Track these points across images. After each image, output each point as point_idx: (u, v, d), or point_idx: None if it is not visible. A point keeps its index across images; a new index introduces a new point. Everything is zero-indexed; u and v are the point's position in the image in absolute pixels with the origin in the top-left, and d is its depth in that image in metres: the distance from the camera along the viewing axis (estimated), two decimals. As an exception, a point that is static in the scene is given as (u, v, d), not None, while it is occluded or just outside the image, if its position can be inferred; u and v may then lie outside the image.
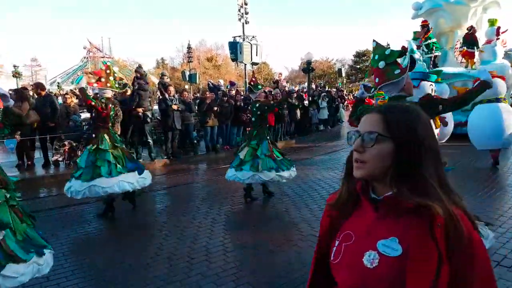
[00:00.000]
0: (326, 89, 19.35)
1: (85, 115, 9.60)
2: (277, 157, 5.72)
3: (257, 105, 5.86)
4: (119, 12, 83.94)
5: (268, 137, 5.86)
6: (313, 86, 19.08)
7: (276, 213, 5.34)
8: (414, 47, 14.09)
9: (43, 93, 8.65)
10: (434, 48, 12.36)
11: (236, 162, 5.72)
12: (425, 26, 12.38)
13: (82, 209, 5.81)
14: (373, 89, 2.99)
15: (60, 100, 12.08)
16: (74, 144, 8.38)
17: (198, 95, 19.01)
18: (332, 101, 16.94)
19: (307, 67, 16.10)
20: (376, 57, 2.85)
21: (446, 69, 11.44)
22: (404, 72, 2.73)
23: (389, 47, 2.89)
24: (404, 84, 2.79)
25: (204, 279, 3.45)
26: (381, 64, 2.78)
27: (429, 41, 12.43)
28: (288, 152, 10.80)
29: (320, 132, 15.37)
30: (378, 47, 2.90)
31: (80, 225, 4.98)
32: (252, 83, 6.16)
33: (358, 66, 53.71)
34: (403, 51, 2.82)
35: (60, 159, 8.32)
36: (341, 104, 18.66)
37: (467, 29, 12.29)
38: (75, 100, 10.00)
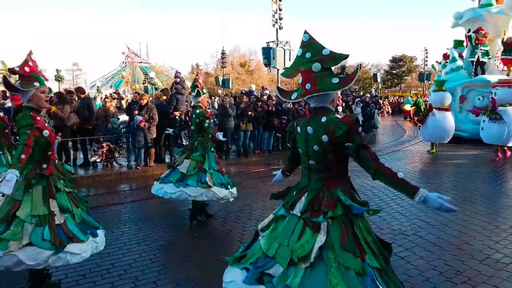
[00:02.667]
0: (361, 94, 18.86)
1: (123, 118, 9.92)
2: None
3: (197, 111, 5.01)
4: (156, 18, 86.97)
5: (212, 149, 5.12)
6: (348, 91, 18.72)
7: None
8: (456, 55, 13.88)
9: (83, 96, 9.02)
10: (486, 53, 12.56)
11: (175, 176, 4.84)
12: (478, 32, 12.59)
13: (119, 210, 5.94)
14: (295, 94, 2.26)
15: (99, 102, 12.59)
16: (112, 146, 8.65)
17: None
18: (366, 106, 16.52)
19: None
20: (308, 55, 2.17)
21: (489, 77, 11.79)
22: (343, 85, 2.14)
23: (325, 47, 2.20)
24: (334, 97, 2.22)
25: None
26: (316, 66, 2.13)
27: (485, 48, 12.62)
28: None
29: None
30: (311, 42, 2.21)
31: (116, 225, 5.08)
32: (199, 85, 5.23)
33: (394, 71, 52.23)
34: (346, 56, 2.19)
35: (98, 160, 8.60)
36: (376, 110, 18.11)
37: (505, 39, 12.45)
38: (114, 104, 10.36)
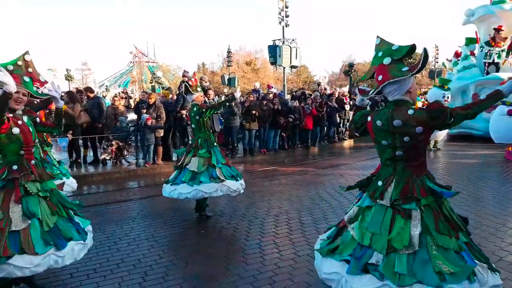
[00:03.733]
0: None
1: (132, 116, 10.09)
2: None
3: (195, 108, 5.15)
4: (163, 18, 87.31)
5: (216, 143, 5.24)
6: (356, 90, 18.63)
7: (313, 218, 5.27)
8: (468, 53, 13.79)
9: (92, 95, 9.19)
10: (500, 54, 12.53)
11: (186, 175, 4.86)
12: (499, 30, 12.51)
13: (128, 206, 6.09)
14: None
15: (108, 101, 12.79)
16: (121, 144, 8.83)
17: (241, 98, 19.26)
18: (376, 105, 16.42)
19: (349, 70, 15.77)
20: (380, 53, 2.47)
21: (502, 74, 11.73)
22: (413, 70, 2.32)
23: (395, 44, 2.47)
24: (410, 87, 2.41)
25: (241, 280, 3.50)
26: (386, 60, 2.39)
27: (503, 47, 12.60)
28: (326, 157, 10.81)
29: (362, 137, 14.96)
30: (383, 43, 2.50)
31: (125, 221, 5.22)
32: (190, 83, 5.32)
33: (405, 69, 51.58)
34: (413, 47, 2.37)
35: (108, 158, 8.80)
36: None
37: None
38: (123, 103, 10.52)
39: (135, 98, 17.44)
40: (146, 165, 8.64)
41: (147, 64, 47.02)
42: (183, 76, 10.17)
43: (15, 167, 2.85)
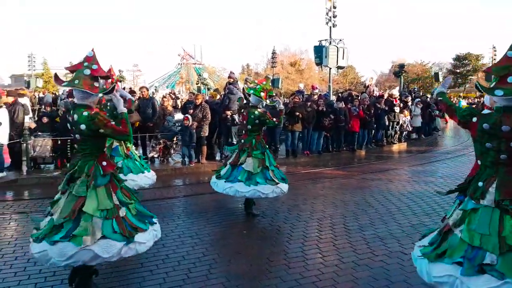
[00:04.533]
0: (421, 94, 17.83)
1: (178, 116, 10.39)
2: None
3: (256, 112, 5.25)
4: (210, 19, 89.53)
5: (267, 146, 5.43)
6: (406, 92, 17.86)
7: (359, 224, 5.06)
8: None
9: (146, 93, 9.57)
10: None
11: (242, 175, 4.98)
12: None
13: (173, 203, 6.25)
14: (499, 91, 2.30)
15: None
16: (168, 143, 9.13)
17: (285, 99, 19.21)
18: (427, 108, 15.56)
19: (399, 71, 15.09)
20: (510, 53, 2.35)
21: None
22: None
23: None
24: None
25: (283, 283, 3.42)
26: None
27: None
28: (373, 161, 10.39)
29: (413, 141, 14.30)
30: None
31: (170, 218, 5.34)
32: (263, 86, 5.35)
33: (458, 71, 48.73)
34: None
35: (156, 156, 9.12)
36: (437, 111, 17.03)
37: None
38: (171, 103, 10.88)
39: (182, 99, 18.00)
40: (191, 164, 8.83)
41: (194, 66, 48.41)
42: (229, 77, 10.30)
43: (104, 163, 3.14)
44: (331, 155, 11.05)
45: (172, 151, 9.32)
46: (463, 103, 28.55)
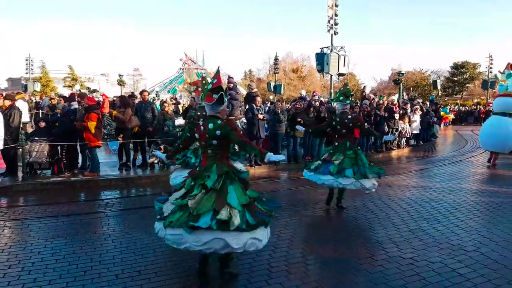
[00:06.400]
0: (419, 101, 17.93)
1: (180, 121, 10.41)
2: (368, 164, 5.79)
3: (349, 117, 5.86)
4: (213, 25, 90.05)
5: (358, 148, 6.01)
6: (407, 97, 17.94)
7: (359, 229, 5.06)
8: None
9: (147, 97, 9.56)
10: None
11: (333, 169, 5.56)
12: None
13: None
14: None
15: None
16: (169, 148, 9.08)
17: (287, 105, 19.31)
18: (425, 115, 15.66)
19: (398, 78, 15.18)
20: None
21: None
22: None
23: None
24: None
25: (283, 289, 3.41)
26: None
27: None
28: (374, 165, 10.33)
29: (411, 147, 14.34)
30: None
31: (170, 222, 5.32)
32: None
33: (455, 79, 48.92)
34: None
35: (156, 161, 9.06)
36: (435, 118, 17.10)
37: None
38: (172, 108, 10.90)
39: (183, 104, 18.03)
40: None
41: (196, 71, 48.51)
42: (228, 82, 10.34)
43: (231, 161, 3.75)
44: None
45: (173, 157, 9.30)
46: (447, 110, 28.53)
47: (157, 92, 34.86)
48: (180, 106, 16.11)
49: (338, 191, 6.01)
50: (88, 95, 9.79)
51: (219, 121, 3.49)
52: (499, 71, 20.76)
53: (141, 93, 9.92)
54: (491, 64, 39.01)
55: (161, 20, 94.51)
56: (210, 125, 3.48)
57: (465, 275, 3.60)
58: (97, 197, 6.95)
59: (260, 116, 9.44)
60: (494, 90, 28.17)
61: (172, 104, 13.67)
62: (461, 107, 34.59)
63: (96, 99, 10.18)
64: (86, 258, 4.05)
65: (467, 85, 48.74)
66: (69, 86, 39.32)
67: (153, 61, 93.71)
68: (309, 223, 5.29)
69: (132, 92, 14.18)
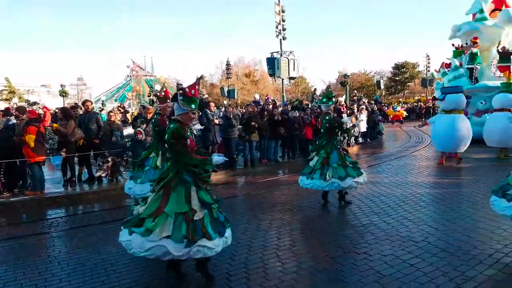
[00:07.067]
0: (364, 101, 18.89)
1: (128, 131, 9.97)
2: (349, 163, 5.98)
3: (327, 117, 6.10)
4: (160, 31, 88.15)
5: (338, 146, 6.20)
6: (355, 98, 18.76)
7: (315, 228, 5.13)
8: (457, 64, 14.47)
9: (91, 107, 9.05)
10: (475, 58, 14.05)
11: (307, 169, 6.09)
12: (475, 42, 14.10)
13: (124, 223, 5.92)
14: None
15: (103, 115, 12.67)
16: (117, 160, 8.66)
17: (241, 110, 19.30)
18: (371, 114, 16.52)
19: (344, 80, 15.86)
20: None
21: (489, 83, 13.34)
22: None
23: None
24: None
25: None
26: None
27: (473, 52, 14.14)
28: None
29: (359, 145, 15.01)
30: None
31: (122, 239, 5.05)
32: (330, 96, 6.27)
33: (397, 78, 52.17)
34: None
35: (103, 175, 8.57)
36: (380, 117, 18.11)
37: (499, 49, 14.16)
38: (119, 117, 10.41)
39: (132, 112, 17.36)
40: (144, 181, 8.48)
41: (145, 78, 47.15)
42: (179, 89, 10.13)
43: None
44: (287, 163, 11.24)
45: (122, 169, 8.84)
46: (399, 108, 30.78)
47: (103, 101, 33.31)
48: (128, 115, 15.48)
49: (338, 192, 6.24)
50: (28, 108, 9.11)
51: (171, 125, 3.51)
52: (435, 70, 22.60)
53: (83, 103, 9.36)
54: (429, 63, 42.06)
55: (106, 26, 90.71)
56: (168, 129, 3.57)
57: (416, 265, 3.77)
58: (40, 217, 6.47)
59: (216, 121, 9.36)
60: (432, 87, 30.48)
61: (120, 113, 13.06)
62: (403, 105, 36.92)
63: (37, 112, 9.49)
64: (29, 284, 3.74)
65: (408, 84, 52.15)
66: (6, 100, 36.40)
67: (98, 70, 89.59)
68: (266, 228, 5.27)
69: (75, 103, 13.37)
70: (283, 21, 20.56)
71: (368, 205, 6.12)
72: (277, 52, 21.03)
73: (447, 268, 3.66)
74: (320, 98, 6.47)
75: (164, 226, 3.22)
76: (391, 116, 27.53)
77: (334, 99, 6.39)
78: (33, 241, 5.19)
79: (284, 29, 20.67)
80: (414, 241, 4.43)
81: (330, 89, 6.64)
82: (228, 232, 3.55)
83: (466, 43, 14.88)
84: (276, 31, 20.61)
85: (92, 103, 9.39)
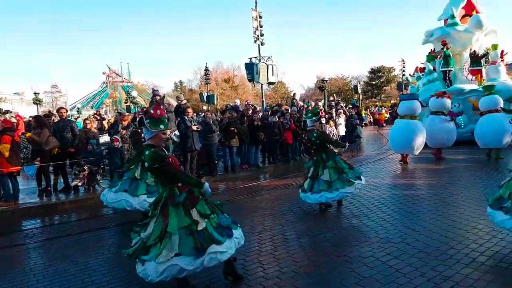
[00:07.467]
0: (343, 106, 19.23)
1: (104, 139, 9.76)
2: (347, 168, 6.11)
3: (314, 134, 6.18)
4: (138, 36, 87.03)
5: (336, 152, 6.42)
6: (333, 103, 19.04)
7: (296, 233, 5.16)
8: (431, 68, 15.09)
9: (65, 115, 8.82)
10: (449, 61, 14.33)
11: (323, 186, 5.89)
12: (444, 45, 14.60)
13: (101, 234, 5.78)
14: None
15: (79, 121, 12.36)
16: (94, 169, 8.45)
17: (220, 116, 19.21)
18: (349, 118, 16.82)
19: (322, 85, 16.09)
20: None
21: (462, 86, 13.84)
22: None
23: None
24: None
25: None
26: None
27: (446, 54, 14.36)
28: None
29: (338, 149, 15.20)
30: None
31: (99, 250, 4.93)
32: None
33: (373, 82, 53.38)
34: None
35: (80, 184, 8.36)
36: (358, 120, 18.48)
37: (470, 53, 14.81)
38: (95, 125, 10.18)
39: (108, 119, 16.98)
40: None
41: (121, 84, 46.33)
42: (155, 95, 10.03)
43: (180, 184, 3.52)
44: (268, 168, 11.27)
45: (99, 177, 8.63)
46: (383, 111, 31.49)
47: (78, 108, 32.48)
48: (105, 122, 15.13)
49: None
50: (1, 117, 8.80)
51: (147, 152, 3.47)
52: (410, 74, 23.24)
53: (58, 110, 9.10)
54: (404, 67, 43.29)
55: (80, 33, 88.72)
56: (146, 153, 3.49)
57: (394, 266, 3.84)
58: (15, 229, 6.27)
59: (194, 128, 9.27)
60: (407, 91, 31.34)
61: (97, 120, 12.77)
62: (380, 108, 37.78)
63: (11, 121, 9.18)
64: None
65: (384, 88, 53.45)
66: (-23, 110, 34.88)
67: (73, 76, 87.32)
68: (248, 233, 5.23)
69: (49, 111, 12.97)
70: (261, 26, 20.68)
71: (348, 208, 6.20)
72: (255, 57, 21.11)
73: (425, 268, 3.74)
74: (306, 113, 6.60)
75: (171, 245, 3.23)
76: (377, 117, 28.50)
77: (319, 115, 6.57)
78: (8, 253, 5.05)
79: (262, 35, 20.78)
80: (393, 242, 4.51)
81: (317, 105, 6.80)
82: (237, 233, 3.57)
83: (440, 48, 15.39)
84: (254, 36, 20.70)
85: (67, 111, 9.15)
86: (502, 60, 14.73)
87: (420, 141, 10.14)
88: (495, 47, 14.63)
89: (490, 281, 3.40)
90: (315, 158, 6.23)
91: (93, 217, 6.86)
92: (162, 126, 3.52)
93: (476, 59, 14.68)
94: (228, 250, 3.37)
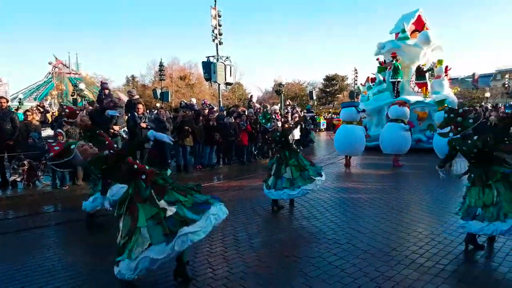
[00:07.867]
0: (298, 110, 19.68)
1: (47, 132, 9.12)
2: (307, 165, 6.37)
3: (278, 133, 6.54)
4: (88, 26, 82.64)
5: (298, 150, 6.63)
6: (289, 108, 19.42)
7: (247, 234, 5.18)
8: (382, 78, 16.07)
9: (6, 105, 8.13)
10: (398, 73, 15.27)
11: (285, 184, 6.11)
12: (394, 57, 15.39)
13: (41, 233, 5.41)
14: None
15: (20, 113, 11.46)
16: (34, 164, 7.87)
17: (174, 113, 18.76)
18: (304, 122, 17.23)
19: (279, 89, 16.34)
20: None
21: (409, 97, 14.38)
22: None
23: None
24: None
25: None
26: None
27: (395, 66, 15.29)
28: (261, 172, 10.87)
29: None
30: None
31: (39, 249, 4.61)
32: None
33: (328, 90, 55.27)
34: None
35: (19, 179, 7.76)
36: (312, 125, 19.08)
37: (416, 67, 15.93)
38: (37, 117, 9.47)
39: (53, 112, 15.91)
40: (64, 187, 7.82)
41: (69, 76, 43.69)
42: (104, 88, 9.58)
43: (143, 176, 3.42)
44: (222, 169, 11.21)
45: (39, 173, 8.05)
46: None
47: (20, 99, 30.13)
48: (48, 115, 14.15)
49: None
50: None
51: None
52: (361, 84, 24.41)
53: None
54: (356, 77, 45.45)
55: (25, 20, 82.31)
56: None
57: (340, 266, 4.00)
58: None
59: (143, 125, 8.95)
60: (358, 99, 32.89)
61: (40, 112, 11.90)
62: (333, 115, 39.21)
63: None
64: None
65: (338, 95, 55.57)
66: None
67: (16, 65, 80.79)
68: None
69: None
70: (219, 25, 20.57)
71: (299, 210, 6.35)
72: (213, 56, 20.93)
73: (368, 268, 3.93)
74: (259, 118, 6.84)
75: (142, 239, 3.15)
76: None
77: (272, 117, 6.93)
78: None
79: (220, 34, 20.67)
80: (339, 243, 4.69)
81: (265, 110, 7.09)
82: (214, 209, 3.43)
83: (390, 60, 16.35)
84: (212, 35, 20.53)
85: (7, 101, 8.42)
86: (446, 75, 15.94)
87: (359, 144, 11.12)
88: (440, 62, 15.79)
89: (428, 282, 3.63)
90: (278, 155, 6.45)
91: (33, 214, 6.40)
92: (72, 146, 3.42)
93: (421, 73, 15.77)
94: (202, 229, 3.28)
